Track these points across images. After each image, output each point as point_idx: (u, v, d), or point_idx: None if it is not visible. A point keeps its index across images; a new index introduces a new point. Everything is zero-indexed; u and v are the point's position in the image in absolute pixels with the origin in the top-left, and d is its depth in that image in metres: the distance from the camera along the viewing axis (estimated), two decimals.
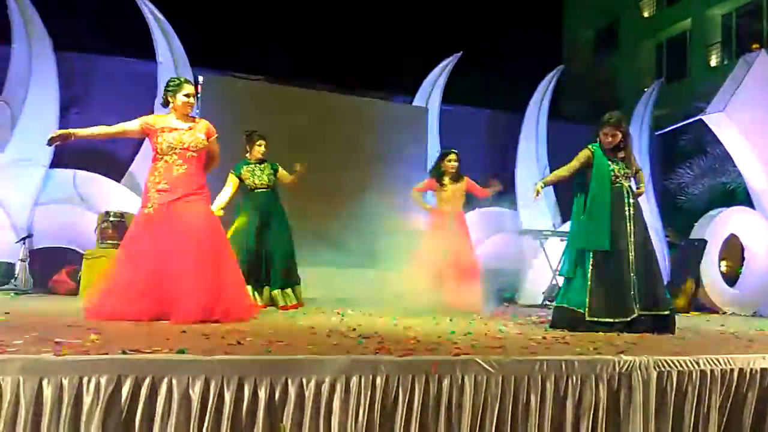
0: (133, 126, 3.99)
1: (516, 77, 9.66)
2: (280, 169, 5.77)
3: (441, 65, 9.38)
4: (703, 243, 8.19)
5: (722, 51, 15.35)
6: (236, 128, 8.03)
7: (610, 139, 4.30)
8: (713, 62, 15.48)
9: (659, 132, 10.56)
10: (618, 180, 4.30)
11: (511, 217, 9.12)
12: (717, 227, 8.38)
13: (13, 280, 6.61)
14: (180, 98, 4.00)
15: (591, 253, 4.17)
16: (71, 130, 3.87)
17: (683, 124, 9.81)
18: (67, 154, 7.42)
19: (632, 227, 4.23)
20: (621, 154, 4.37)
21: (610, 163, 4.30)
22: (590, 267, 4.15)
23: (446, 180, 5.97)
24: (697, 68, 15.45)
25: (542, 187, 4.42)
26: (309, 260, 6.12)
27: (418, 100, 9.37)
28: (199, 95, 8.00)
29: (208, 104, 8.01)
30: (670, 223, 10.01)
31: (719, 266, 8.55)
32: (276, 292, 5.42)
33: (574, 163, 4.39)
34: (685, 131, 10.17)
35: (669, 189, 10.33)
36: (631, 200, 4.30)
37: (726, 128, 8.11)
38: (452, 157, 6.01)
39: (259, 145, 5.61)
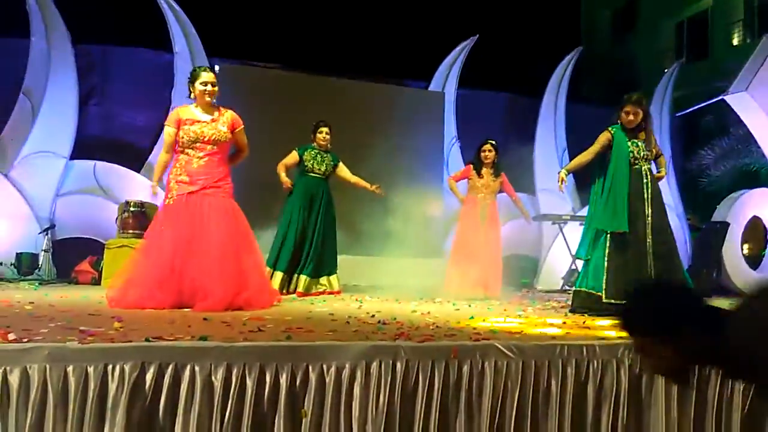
0: (171, 134, 3.97)
1: (534, 59, 9.54)
2: (341, 164, 5.92)
3: (457, 49, 9.30)
4: (725, 226, 8.08)
5: (744, 29, 15.01)
6: (252, 116, 8.07)
7: (631, 117, 4.24)
8: (735, 41, 15.16)
9: (680, 113, 10.39)
10: (638, 161, 4.25)
11: (529, 201, 9.06)
12: (739, 209, 8.26)
13: (37, 271, 6.72)
14: (198, 87, 4.00)
15: (608, 236, 4.14)
16: (155, 183, 4.16)
17: (705, 105, 9.64)
18: (87, 146, 7.51)
19: (650, 209, 4.18)
20: (642, 135, 4.31)
21: (630, 144, 4.25)
22: (607, 249, 4.13)
23: (484, 170, 5.98)
24: (719, 47, 15.14)
25: (566, 175, 4.38)
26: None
27: (435, 85, 9.31)
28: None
29: (225, 93, 8.01)
30: (691, 206, 9.88)
31: (742, 249, 8.43)
32: (313, 278, 5.49)
33: (595, 147, 4.35)
34: (707, 112, 10.01)
35: (690, 171, 10.18)
36: (650, 182, 4.25)
37: (749, 108, 7.96)
38: (486, 147, 6.00)
39: (320, 132, 5.75)
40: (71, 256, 6.84)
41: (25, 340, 2.11)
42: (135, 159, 7.65)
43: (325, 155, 5.78)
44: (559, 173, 4.41)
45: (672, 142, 9.80)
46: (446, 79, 9.26)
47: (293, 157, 5.75)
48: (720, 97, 8.25)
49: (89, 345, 2.09)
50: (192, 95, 4.05)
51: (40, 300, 4.05)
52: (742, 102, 7.95)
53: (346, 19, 11.23)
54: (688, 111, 10.38)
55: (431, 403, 2.32)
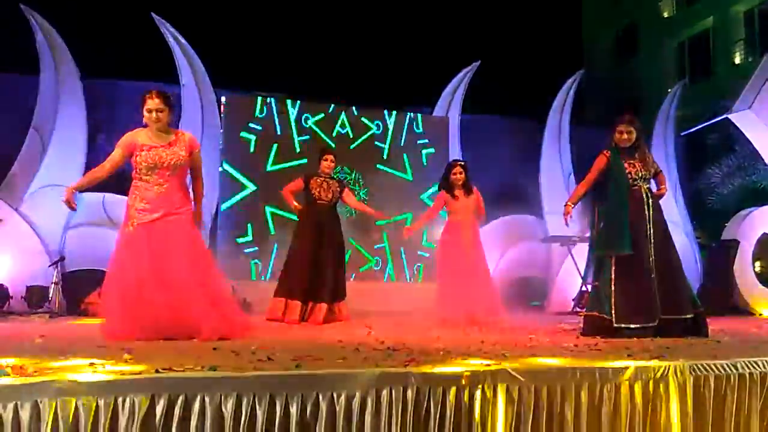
0: (116, 155, 3.85)
1: (536, 83, 9.64)
2: (347, 190, 5.94)
3: (460, 75, 9.39)
4: (735, 244, 8.03)
5: (746, 48, 15.10)
6: (258, 146, 8.17)
7: (625, 136, 4.24)
8: (737, 60, 15.23)
9: (685, 132, 10.41)
10: (636, 182, 4.24)
11: (537, 224, 9.05)
12: (749, 227, 8.21)
13: (47, 303, 6.73)
14: (144, 113, 3.86)
15: (613, 259, 4.12)
16: (71, 187, 3.87)
17: (709, 124, 9.66)
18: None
19: (652, 230, 4.16)
20: (637, 155, 4.29)
21: (626, 165, 4.24)
22: (613, 273, 4.10)
23: (457, 192, 5.88)
24: (721, 66, 15.22)
25: (571, 208, 4.36)
26: None
27: (438, 111, 9.38)
28: (222, 114, 8.13)
29: (232, 123, 8.13)
30: (700, 225, 9.84)
31: (753, 266, 8.36)
32: (323, 305, 5.45)
33: (593, 174, 4.35)
34: (712, 130, 10.02)
35: (698, 190, 10.15)
36: (651, 202, 4.23)
37: (753, 126, 7.97)
38: (456, 169, 5.92)
39: (325, 160, 5.76)
40: (81, 288, 6.85)
41: (36, 374, 2.11)
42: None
43: (330, 182, 5.79)
44: (564, 206, 4.38)
45: (678, 161, 9.80)
46: (450, 104, 9.33)
47: (298, 183, 5.78)
48: (724, 116, 8.27)
49: (99, 378, 2.09)
50: (148, 125, 3.91)
51: (50, 332, 4.05)
52: (746, 120, 7.96)
53: (350, 48, 11.38)
54: (692, 130, 10.40)
55: (443, 431, 2.29)
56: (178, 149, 3.87)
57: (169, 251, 3.74)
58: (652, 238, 4.15)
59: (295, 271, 5.50)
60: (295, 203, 5.75)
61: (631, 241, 4.08)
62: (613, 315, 4.02)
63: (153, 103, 3.82)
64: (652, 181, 4.41)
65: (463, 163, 6.03)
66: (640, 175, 4.24)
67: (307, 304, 5.42)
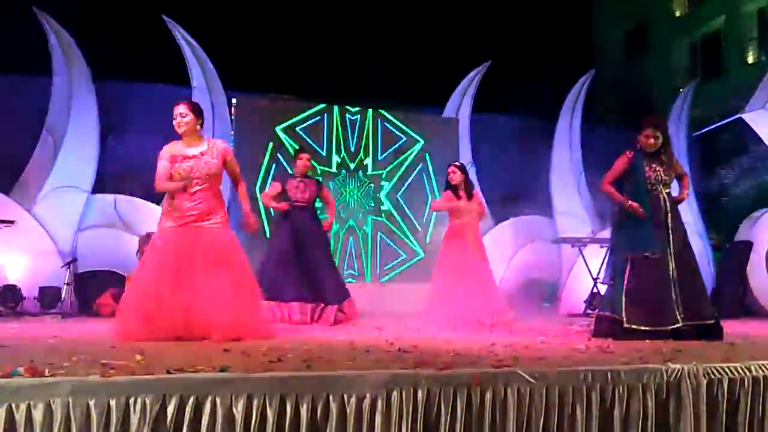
0: (167, 168, 3.93)
1: (547, 83, 9.58)
2: (324, 187, 5.89)
3: (470, 75, 9.37)
4: (748, 245, 7.96)
5: (758, 47, 14.96)
6: (270, 147, 8.19)
7: (652, 141, 4.20)
8: (750, 59, 15.09)
9: (697, 133, 10.33)
10: (655, 186, 4.21)
11: (547, 224, 9.01)
12: (762, 228, 8.14)
13: (59, 304, 6.78)
14: (174, 123, 3.95)
15: (630, 261, 4.09)
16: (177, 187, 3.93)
17: (722, 124, 9.58)
18: (107, 180, 7.64)
19: (671, 236, 4.14)
20: (662, 158, 4.26)
21: (647, 169, 4.21)
22: (627, 275, 4.08)
23: (460, 192, 5.84)
24: (734, 66, 15.08)
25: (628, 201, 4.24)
26: None
27: (449, 111, 9.36)
28: (232, 116, 8.16)
29: (243, 124, 8.16)
30: (713, 226, 9.76)
31: (766, 268, 8.27)
32: (332, 307, 5.44)
33: (612, 174, 4.32)
34: (725, 130, 9.94)
35: (710, 190, 10.07)
36: (669, 207, 4.20)
37: (767, 125, 7.89)
38: (450, 169, 5.89)
39: (300, 159, 5.71)
40: (93, 289, 6.91)
41: (48, 374, 2.12)
42: (154, 192, 7.74)
43: (307, 182, 5.70)
44: (632, 206, 4.20)
45: (690, 162, 9.72)
46: (460, 104, 9.32)
47: (276, 188, 5.70)
48: (737, 116, 8.20)
49: (111, 378, 2.10)
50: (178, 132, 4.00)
51: (62, 333, 4.08)
52: (759, 119, 7.89)
53: (361, 49, 11.39)
54: (705, 130, 10.32)
55: None
56: (210, 158, 3.94)
57: (192, 256, 3.80)
58: (672, 244, 4.13)
59: (278, 273, 5.40)
60: (280, 205, 5.65)
61: (649, 246, 4.06)
62: (624, 316, 3.99)
63: (177, 109, 3.95)
64: (676, 181, 4.37)
65: (458, 164, 5.99)
66: (660, 179, 4.21)
67: (316, 304, 5.41)
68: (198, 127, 3.99)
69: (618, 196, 4.27)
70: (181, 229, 3.85)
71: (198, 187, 3.90)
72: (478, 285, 5.55)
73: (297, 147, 5.90)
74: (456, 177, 5.82)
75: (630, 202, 4.17)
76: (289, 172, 6.02)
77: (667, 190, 4.26)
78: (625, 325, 3.96)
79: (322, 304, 5.41)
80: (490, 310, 5.44)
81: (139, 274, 3.90)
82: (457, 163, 6.03)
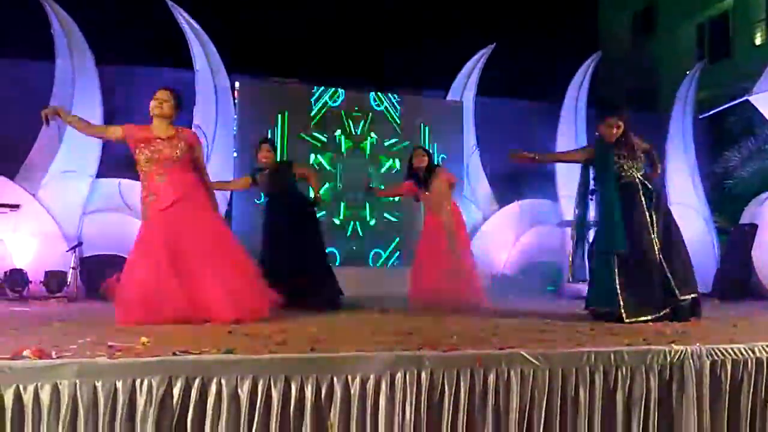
0: (115, 130, 4.01)
1: (552, 66, 9.50)
2: (295, 165, 5.76)
3: (475, 58, 9.29)
4: (753, 227, 7.92)
5: (766, 28, 14.78)
6: (273, 131, 8.17)
7: (614, 130, 4.18)
8: (758, 40, 14.92)
9: (703, 115, 10.24)
10: (629, 173, 4.19)
11: (552, 208, 8.99)
12: None
13: (65, 288, 6.83)
14: (151, 104, 3.99)
15: (614, 256, 4.07)
16: (59, 109, 4.15)
17: (729, 106, 9.49)
18: (112, 164, 7.64)
19: (653, 217, 4.12)
20: (625, 143, 4.21)
21: (616, 158, 4.19)
22: (617, 269, 4.04)
23: (422, 179, 5.69)
24: (741, 47, 14.92)
25: (530, 157, 4.40)
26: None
27: (453, 94, 9.31)
28: (236, 101, 8.13)
29: (246, 108, 8.14)
30: (718, 209, 9.71)
31: None
32: (314, 290, 5.40)
33: (575, 155, 4.44)
34: (731, 113, 9.84)
35: (716, 173, 10.01)
36: (647, 190, 4.18)
37: None
38: (417, 151, 5.76)
39: (260, 151, 5.51)
40: (99, 272, 6.92)
41: (56, 356, 2.14)
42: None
43: (276, 170, 5.54)
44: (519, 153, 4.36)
45: (696, 144, 9.66)
46: (464, 87, 9.26)
47: (245, 181, 5.65)
48: (744, 98, 8.12)
49: (118, 360, 2.12)
50: (151, 114, 4.03)
51: (68, 316, 4.11)
52: (767, 102, 7.81)
53: (365, 32, 11.31)
54: (711, 112, 10.23)
55: (458, 414, 2.31)
56: (174, 144, 3.96)
57: (182, 236, 3.82)
58: (654, 225, 4.11)
59: (275, 264, 5.17)
60: (243, 180, 5.68)
61: (634, 233, 4.06)
62: (623, 311, 3.95)
63: (159, 93, 4.01)
64: (648, 167, 4.36)
65: (422, 147, 5.97)
66: (631, 165, 4.20)
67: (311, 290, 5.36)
68: (173, 116, 4.04)
69: (525, 154, 4.43)
70: (164, 213, 3.87)
71: (167, 171, 3.91)
72: (452, 267, 5.46)
73: (262, 138, 5.76)
74: (424, 161, 5.67)
75: (526, 152, 4.37)
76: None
77: (641, 173, 4.23)
78: (626, 321, 3.92)
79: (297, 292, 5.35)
80: (463, 292, 5.38)
81: (133, 260, 3.90)
82: (422, 146, 5.96)
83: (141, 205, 4.03)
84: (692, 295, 4.09)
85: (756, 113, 8.26)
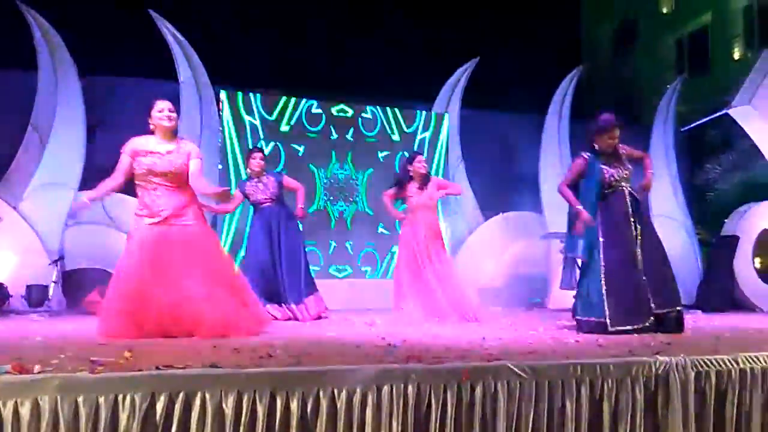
0: (125, 163, 3.92)
1: (536, 78, 9.60)
2: (285, 177, 5.75)
3: (459, 71, 9.36)
4: (735, 239, 8.02)
5: (745, 43, 15.08)
6: (257, 143, 8.15)
7: (611, 141, 4.22)
8: (736, 55, 15.21)
9: (685, 128, 10.39)
10: (618, 183, 4.23)
11: (536, 220, 9.04)
12: (749, 223, 8.20)
13: (47, 302, 6.72)
14: (155, 115, 3.92)
15: (602, 264, 4.10)
16: (91, 195, 4.02)
17: (709, 119, 9.65)
18: (95, 176, 7.56)
19: (637, 229, 4.16)
20: (618, 154, 4.27)
21: (606, 167, 4.23)
22: (603, 278, 4.08)
23: (413, 184, 5.64)
24: (720, 62, 15.19)
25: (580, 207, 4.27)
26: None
27: (438, 107, 9.36)
28: (221, 112, 8.11)
29: (230, 119, 8.12)
30: (700, 221, 9.83)
31: (753, 263, 8.36)
32: (297, 305, 5.39)
33: (572, 175, 4.39)
34: (712, 126, 10.00)
35: (698, 185, 10.15)
36: (633, 200, 4.22)
37: (753, 121, 7.96)
38: (419, 157, 5.71)
39: (253, 158, 5.55)
40: (81, 287, 6.84)
41: (36, 371, 2.10)
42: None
43: (266, 180, 5.56)
44: (580, 212, 4.24)
45: (677, 157, 9.78)
46: (449, 100, 9.32)
47: (237, 196, 5.58)
48: (724, 111, 8.26)
49: (100, 375, 2.08)
50: (151, 126, 3.97)
51: (50, 331, 4.05)
52: (746, 115, 7.95)
53: (349, 44, 11.36)
54: (692, 126, 10.38)
55: (444, 427, 2.29)
56: (176, 158, 3.91)
57: (171, 253, 3.77)
58: (639, 236, 4.15)
59: (255, 277, 5.24)
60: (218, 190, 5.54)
61: (619, 242, 4.10)
62: (608, 320, 3.99)
63: (163, 103, 3.95)
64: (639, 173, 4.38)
65: (423, 155, 5.88)
66: (620, 175, 4.24)
67: (289, 305, 5.35)
68: (176, 128, 4.01)
69: (573, 200, 4.32)
70: (155, 227, 3.82)
71: (161, 185, 3.87)
72: (438, 277, 5.43)
73: (252, 147, 5.73)
74: (424, 168, 5.67)
75: (580, 208, 4.20)
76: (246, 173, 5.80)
77: (629, 184, 4.27)
78: (610, 329, 3.95)
79: (294, 304, 5.35)
80: (456, 302, 5.35)
81: (119, 273, 3.85)
82: (421, 153, 5.86)
83: (133, 217, 3.97)
84: (673, 309, 4.10)
85: (735, 126, 8.41)
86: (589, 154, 4.31)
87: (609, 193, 4.25)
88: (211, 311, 3.67)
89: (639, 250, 4.11)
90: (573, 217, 4.34)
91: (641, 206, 4.28)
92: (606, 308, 4.00)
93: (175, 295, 3.67)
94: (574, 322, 4.32)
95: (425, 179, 5.67)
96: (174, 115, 3.96)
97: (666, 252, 4.30)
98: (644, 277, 4.07)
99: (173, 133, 4.00)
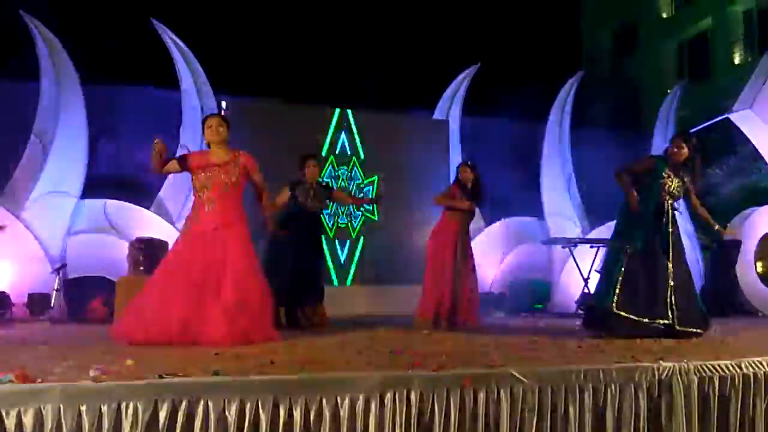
0: (174, 164, 4.05)
1: (536, 85, 9.63)
2: (335, 190, 5.90)
3: (460, 77, 9.39)
4: (737, 244, 8.02)
5: (745, 48, 15.11)
6: (259, 150, 8.14)
7: (676, 150, 4.34)
8: (737, 60, 15.23)
9: None
10: (665, 196, 4.33)
11: (538, 225, 9.04)
12: (750, 227, 8.20)
13: (49, 310, 6.73)
14: (206, 131, 4.07)
15: (625, 254, 4.18)
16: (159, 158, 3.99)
17: (709, 124, 9.65)
18: (97, 184, 7.59)
19: (671, 243, 4.26)
20: (682, 173, 4.39)
21: (665, 175, 4.33)
22: (624, 266, 4.17)
23: (465, 193, 5.64)
24: (721, 67, 15.22)
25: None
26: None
27: (439, 113, 9.38)
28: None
29: (232, 127, 8.12)
30: (701, 225, 9.82)
31: (755, 267, 8.34)
32: (306, 310, 5.43)
33: (637, 167, 4.47)
34: (712, 131, 10.00)
35: (699, 190, 10.14)
36: (670, 218, 4.34)
37: (754, 126, 7.97)
38: (463, 167, 5.71)
39: (308, 167, 5.55)
40: (83, 294, 6.85)
41: (39, 380, 2.11)
42: (145, 196, 7.72)
43: (317, 189, 5.59)
44: (633, 199, 4.28)
45: None
46: (450, 106, 9.34)
47: (285, 194, 5.52)
48: (724, 116, 8.26)
49: (102, 384, 2.08)
50: (206, 141, 4.13)
51: (52, 339, 4.05)
52: (746, 120, 7.96)
53: (350, 51, 11.40)
54: (693, 131, 10.37)
55: None
56: (232, 170, 4.00)
57: (206, 265, 3.80)
58: (670, 252, 4.24)
59: (281, 277, 5.27)
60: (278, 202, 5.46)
61: (647, 245, 4.18)
62: (615, 301, 4.07)
63: (212, 120, 4.10)
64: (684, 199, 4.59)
65: (470, 163, 5.79)
66: (670, 190, 4.34)
67: (294, 309, 5.37)
68: (227, 139, 4.11)
69: (628, 184, 4.35)
70: (198, 237, 3.89)
71: (218, 196, 3.93)
72: (462, 283, 5.46)
73: (307, 154, 5.74)
74: (467, 175, 5.66)
75: (634, 194, 4.26)
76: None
77: (672, 202, 4.38)
78: (615, 310, 4.03)
79: (307, 308, 5.40)
80: (466, 311, 5.40)
81: (152, 279, 3.92)
82: (469, 162, 5.82)
83: (185, 221, 4.11)
84: (697, 330, 4.13)
85: (736, 131, 8.41)
86: (658, 158, 4.44)
87: (657, 202, 4.34)
88: (230, 323, 3.67)
89: (671, 268, 4.19)
90: (621, 208, 4.40)
91: (676, 226, 4.37)
92: (617, 291, 4.07)
93: (191, 307, 3.69)
94: (578, 324, 4.37)
95: (474, 189, 5.67)
96: (222, 129, 4.07)
97: (690, 270, 4.40)
98: (672, 294, 4.11)
99: (226, 145, 4.09)
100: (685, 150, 4.34)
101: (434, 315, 5.32)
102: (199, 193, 3.99)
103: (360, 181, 8.59)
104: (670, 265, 4.19)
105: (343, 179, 8.51)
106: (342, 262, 8.33)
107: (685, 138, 4.38)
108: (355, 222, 8.46)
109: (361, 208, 8.48)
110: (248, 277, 3.94)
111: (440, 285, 5.41)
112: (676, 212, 4.40)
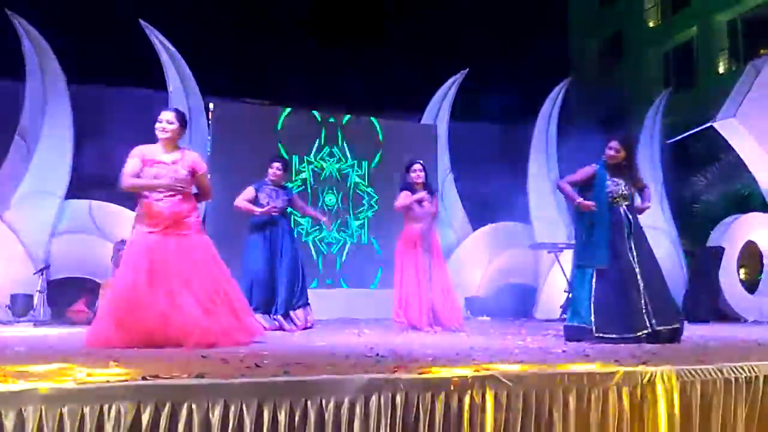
0: (136, 165, 3.92)
1: (524, 91, 9.70)
2: (295, 196, 5.90)
3: (448, 82, 9.43)
4: (720, 251, 8.10)
5: (729, 57, 15.30)
6: (245, 152, 8.15)
7: (613, 153, 4.34)
8: (721, 69, 15.43)
9: (671, 141, 10.51)
10: (617, 200, 4.32)
11: (524, 230, 9.09)
12: (733, 234, 8.29)
13: (31, 312, 6.66)
14: (156, 127, 3.95)
15: (593, 272, 4.19)
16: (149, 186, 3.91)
17: (694, 132, 9.77)
18: (82, 185, 7.52)
19: (634, 246, 4.25)
20: (625, 173, 4.38)
21: (609, 183, 4.32)
22: (594, 285, 4.17)
23: (418, 194, 5.57)
24: (705, 76, 15.40)
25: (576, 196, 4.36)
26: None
27: (427, 118, 9.41)
28: (209, 121, 8.10)
29: (219, 130, 8.11)
30: (685, 232, 9.92)
31: (738, 274, 8.44)
32: (288, 314, 5.42)
33: (577, 176, 4.46)
34: (697, 139, 10.13)
35: (683, 198, 10.25)
36: (630, 218, 4.32)
37: (737, 134, 8.06)
38: (416, 166, 5.63)
39: (271, 168, 5.68)
40: (66, 296, 6.79)
41: (21, 381, 2.08)
42: (129, 197, 7.64)
43: (279, 191, 5.68)
44: (582, 203, 4.31)
45: (663, 169, 9.89)
46: (438, 112, 9.38)
47: (249, 192, 5.59)
48: (709, 124, 8.36)
49: (85, 386, 2.06)
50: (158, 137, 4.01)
51: (35, 341, 4.00)
52: (730, 128, 8.06)
53: (338, 56, 11.41)
54: (677, 138, 10.50)
55: None
56: (180, 168, 3.93)
57: (167, 262, 3.77)
58: (635, 252, 4.23)
59: (252, 284, 5.37)
60: (256, 209, 5.50)
61: (609, 255, 4.17)
62: (594, 326, 4.08)
63: (164, 115, 3.97)
64: (637, 196, 4.50)
65: (422, 163, 5.69)
66: (621, 193, 4.33)
67: (277, 316, 5.38)
68: (178, 137, 4.02)
69: (571, 193, 4.40)
70: (154, 234, 3.83)
71: (165, 194, 3.87)
72: (437, 289, 5.45)
73: (274, 156, 5.83)
74: (422, 175, 5.60)
75: (580, 200, 4.29)
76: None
77: (627, 203, 4.37)
78: (595, 334, 4.05)
79: (288, 313, 5.41)
80: (448, 314, 5.41)
81: (117, 281, 3.88)
82: (421, 162, 5.71)
83: (134, 221, 3.98)
84: (670, 326, 4.15)
85: (720, 139, 8.51)
86: (597, 165, 4.41)
87: (611, 206, 4.32)
88: (201, 322, 3.65)
89: (638, 269, 4.18)
90: (577, 226, 4.42)
91: (637, 226, 4.35)
92: (593, 314, 4.06)
93: (164, 305, 3.66)
94: (561, 331, 4.37)
95: (426, 187, 5.66)
96: (172, 127, 3.94)
97: (662, 270, 4.39)
98: (644, 297, 4.11)
99: (176, 143, 4.01)
100: (623, 152, 4.34)
101: (412, 319, 5.33)
102: (146, 191, 3.91)
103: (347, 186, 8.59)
104: (637, 269, 4.17)
105: (329, 183, 8.51)
106: (328, 265, 8.32)
107: (619, 139, 4.37)
108: (341, 225, 8.46)
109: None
110: (214, 274, 3.92)
111: (410, 289, 5.42)
112: (631, 211, 4.34)
